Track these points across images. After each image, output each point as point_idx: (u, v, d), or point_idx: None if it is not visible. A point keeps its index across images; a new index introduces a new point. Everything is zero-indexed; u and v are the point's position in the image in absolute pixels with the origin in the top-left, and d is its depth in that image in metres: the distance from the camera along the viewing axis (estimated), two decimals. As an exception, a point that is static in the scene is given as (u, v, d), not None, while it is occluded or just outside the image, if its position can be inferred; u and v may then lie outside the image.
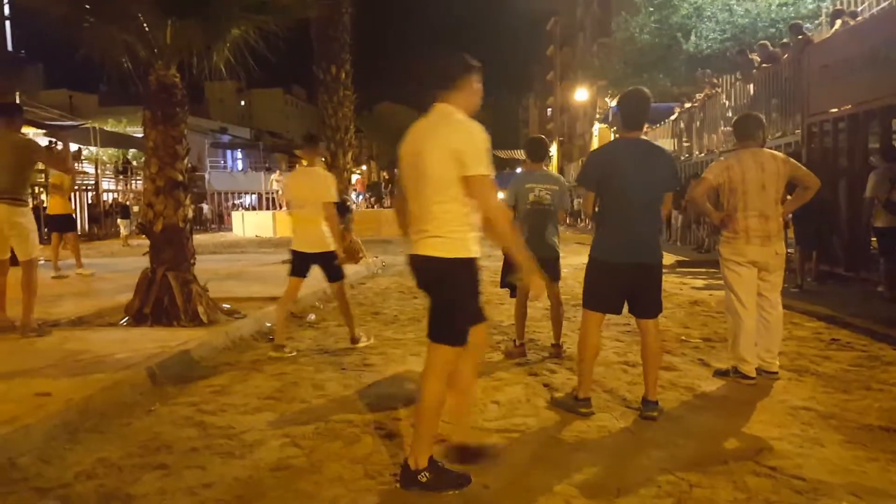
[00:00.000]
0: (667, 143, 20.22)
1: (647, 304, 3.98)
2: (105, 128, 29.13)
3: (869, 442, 3.48)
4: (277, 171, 33.56)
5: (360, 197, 32.34)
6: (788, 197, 4.96)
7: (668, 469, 3.16)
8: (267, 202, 32.91)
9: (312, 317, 7.24)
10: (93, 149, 27.15)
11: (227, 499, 2.93)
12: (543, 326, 6.25)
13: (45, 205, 13.78)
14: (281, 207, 27.82)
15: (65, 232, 10.62)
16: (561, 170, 45.95)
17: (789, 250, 5.05)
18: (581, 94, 36.01)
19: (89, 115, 33.78)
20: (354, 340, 5.86)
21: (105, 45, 6.44)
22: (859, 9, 11.57)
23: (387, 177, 37.12)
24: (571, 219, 28.83)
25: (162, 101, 6.37)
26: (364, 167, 37.75)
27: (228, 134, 48.07)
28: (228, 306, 6.79)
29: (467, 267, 2.95)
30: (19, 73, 14.83)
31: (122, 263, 12.88)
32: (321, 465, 3.26)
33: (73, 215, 11.27)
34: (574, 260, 11.01)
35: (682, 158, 18.54)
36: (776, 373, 4.65)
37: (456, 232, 2.89)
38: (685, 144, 18.64)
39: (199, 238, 6.85)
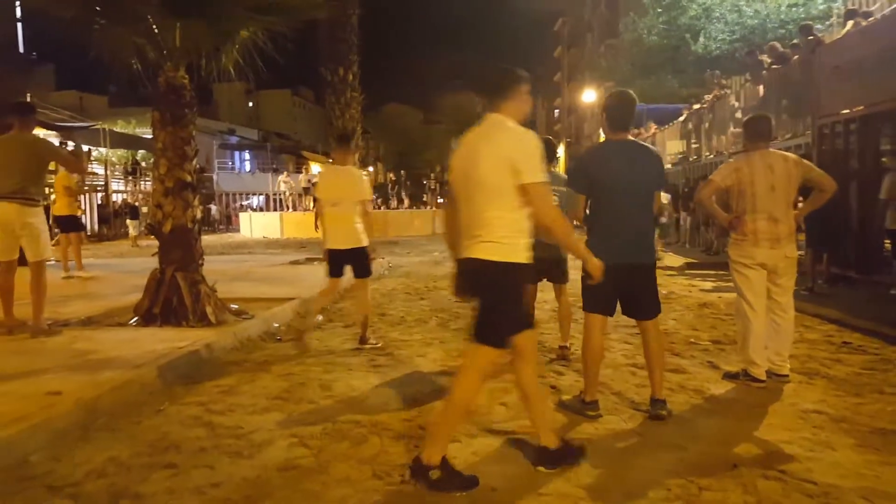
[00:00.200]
0: (675, 145, 20.18)
1: (645, 304, 3.97)
2: (114, 129, 29.28)
3: (881, 446, 3.45)
4: (285, 173, 33.67)
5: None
6: (801, 200, 4.92)
7: (677, 472, 3.14)
8: (274, 203, 33.00)
9: (320, 318, 7.24)
10: (102, 150, 27.29)
11: (235, 498, 2.94)
12: (551, 328, 6.24)
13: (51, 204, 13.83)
14: (289, 209, 27.93)
15: (69, 232, 10.65)
16: (569, 171, 45.86)
17: (800, 252, 5.00)
18: (589, 96, 35.92)
19: (99, 116, 33.94)
20: (363, 341, 5.87)
21: (115, 46, 6.47)
22: (872, 8, 11.49)
23: (393, 178, 37.16)
24: None
25: (171, 103, 6.40)
26: (371, 168, 37.78)
27: (236, 135, 48.22)
28: (236, 307, 6.81)
29: (516, 272, 2.99)
30: (31, 75, 14.93)
31: (130, 264, 12.96)
32: (329, 466, 3.26)
33: (80, 217, 11.27)
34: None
35: (691, 160, 18.48)
36: (787, 376, 4.61)
37: (508, 237, 2.95)
38: (694, 146, 18.57)
39: (206, 239, 6.88)
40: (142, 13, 6.18)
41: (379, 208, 31.27)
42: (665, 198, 13.76)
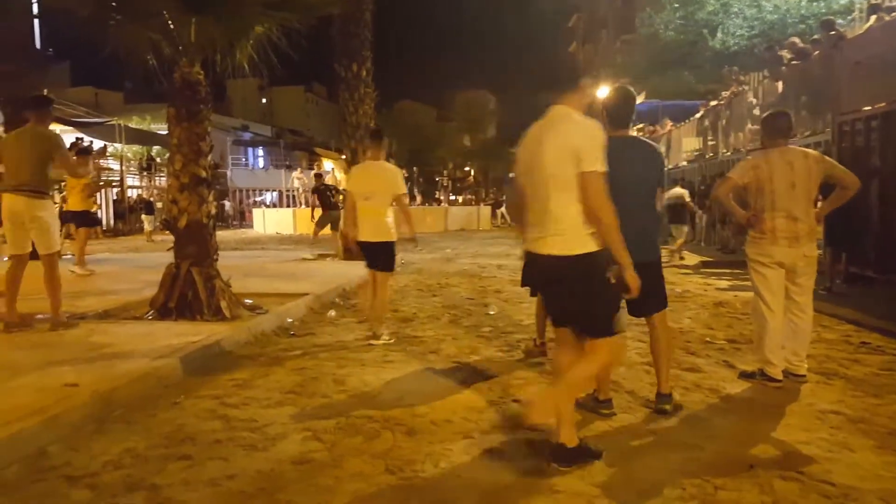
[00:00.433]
0: (692, 142, 20.01)
1: (649, 302, 3.92)
2: (130, 125, 29.50)
3: (900, 447, 3.40)
4: (299, 169, 33.78)
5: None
6: (819, 199, 4.85)
7: (692, 471, 3.11)
8: (287, 199, 33.11)
9: (333, 313, 7.26)
10: (118, 145, 27.51)
11: (249, 491, 2.95)
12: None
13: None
14: (301, 205, 27.99)
15: (79, 227, 10.70)
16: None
17: (819, 251, 4.94)
18: (603, 91, 35.76)
19: (114, 112, 34.23)
20: (375, 336, 5.88)
21: (131, 42, 6.51)
22: (895, 3, 11.32)
23: (406, 175, 37.13)
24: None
25: (186, 99, 6.42)
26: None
27: (250, 131, 48.40)
28: (250, 301, 6.84)
29: (598, 259, 3.02)
30: (47, 71, 15.05)
31: (145, 259, 13.04)
32: (342, 460, 3.27)
33: (92, 212, 11.29)
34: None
35: (708, 157, 18.34)
36: (804, 376, 4.56)
37: (579, 227, 2.98)
38: (710, 143, 18.41)
39: (220, 234, 6.93)
40: (158, 9, 6.21)
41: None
42: (685, 194, 13.66)
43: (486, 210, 31.33)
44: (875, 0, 11.96)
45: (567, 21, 60.97)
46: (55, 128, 8.30)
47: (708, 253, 13.96)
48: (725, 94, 17.43)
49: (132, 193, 28.27)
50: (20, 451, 3.25)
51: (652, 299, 3.93)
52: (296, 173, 31.61)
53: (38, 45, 14.21)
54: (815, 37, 12.93)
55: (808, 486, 2.98)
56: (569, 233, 2.98)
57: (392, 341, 5.90)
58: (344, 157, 14.21)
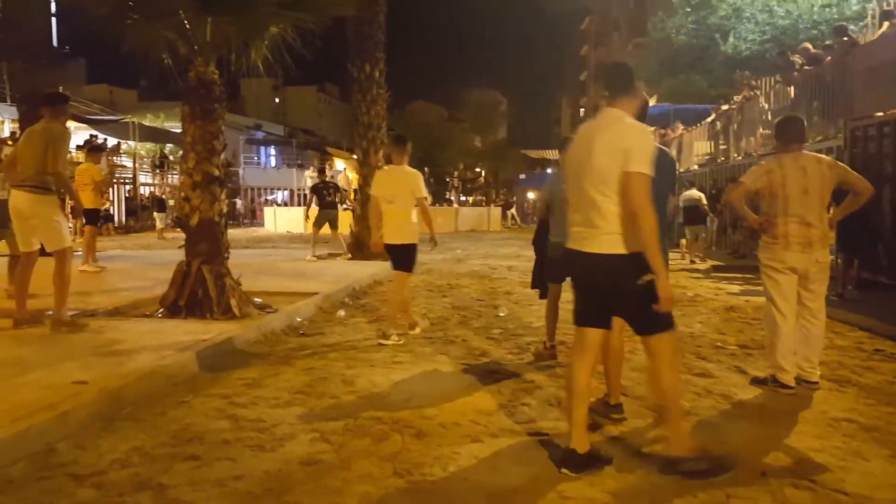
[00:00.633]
0: (703, 146, 19.92)
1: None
2: (143, 122, 29.66)
3: (915, 457, 3.36)
4: (311, 168, 33.81)
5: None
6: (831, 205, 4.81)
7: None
8: (299, 198, 33.18)
9: (342, 313, 7.26)
10: (131, 143, 27.68)
11: (256, 491, 2.94)
12: (573, 328, 6.17)
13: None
14: (313, 204, 28.00)
15: (86, 224, 10.70)
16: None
17: (831, 257, 4.90)
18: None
19: (129, 109, 34.42)
20: (385, 336, 5.88)
21: (147, 41, 6.55)
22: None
23: (418, 175, 37.09)
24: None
25: (200, 97, 6.45)
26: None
27: (263, 130, 48.56)
28: (260, 300, 6.85)
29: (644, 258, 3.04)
30: (63, 69, 15.18)
31: (156, 256, 13.10)
32: (350, 462, 3.26)
33: (101, 210, 11.26)
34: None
35: (719, 161, 18.25)
36: (816, 383, 4.52)
37: (630, 226, 3.01)
38: (722, 147, 18.32)
39: (231, 233, 6.95)
40: (174, 9, 6.24)
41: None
42: (702, 196, 13.58)
43: (496, 211, 31.29)
44: (888, 7, 11.88)
45: (579, 24, 60.88)
46: (70, 125, 8.27)
47: (719, 257, 13.88)
48: (737, 98, 17.34)
49: (145, 191, 28.43)
50: (28, 449, 3.25)
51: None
52: (308, 172, 31.62)
53: (55, 42, 14.34)
54: (828, 42, 12.84)
55: (821, 494, 2.94)
56: (622, 231, 3.02)
57: (402, 342, 5.90)
58: (355, 156, 14.20)
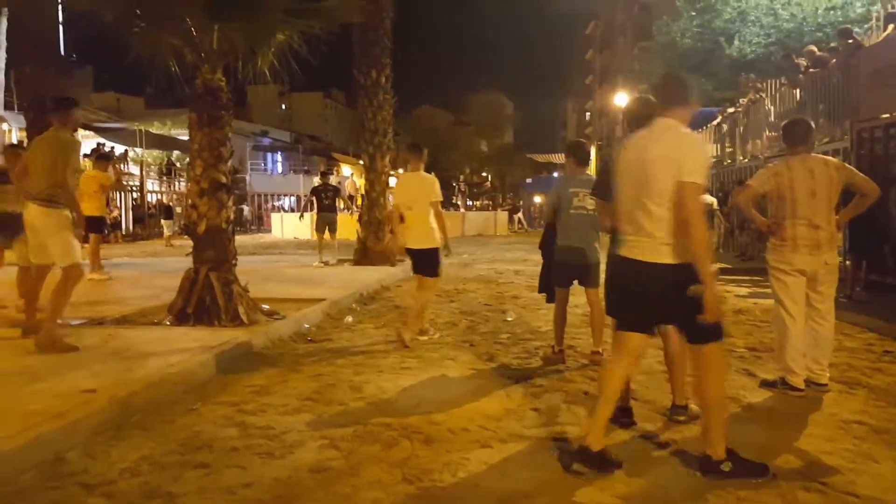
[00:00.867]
0: (709, 149, 19.87)
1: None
2: (150, 130, 29.76)
3: (926, 460, 3.33)
4: (320, 174, 33.86)
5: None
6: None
7: (714, 482, 3.07)
8: (306, 205, 33.28)
9: (350, 319, 7.27)
10: (138, 150, 27.76)
11: (266, 499, 2.95)
12: (582, 333, 6.18)
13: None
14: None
15: (90, 232, 10.67)
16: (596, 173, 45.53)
17: (839, 258, 4.88)
18: (620, 98, 35.66)
19: (136, 117, 34.51)
20: (423, 332, 6.20)
21: (154, 49, 6.57)
22: (914, 11, 11.20)
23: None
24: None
25: (207, 104, 6.47)
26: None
27: (269, 137, 48.67)
28: (267, 307, 6.86)
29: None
30: (71, 76, 15.27)
31: (164, 264, 13.14)
32: (359, 468, 3.26)
33: (106, 218, 11.17)
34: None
35: (725, 164, 18.21)
36: (826, 385, 4.50)
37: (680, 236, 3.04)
38: (728, 150, 18.28)
39: (239, 239, 6.95)
40: (181, 16, 6.27)
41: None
42: (714, 201, 13.54)
43: (502, 215, 31.27)
44: (893, 9, 11.83)
45: (584, 28, 60.90)
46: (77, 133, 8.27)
47: (727, 260, 13.82)
48: (743, 101, 17.30)
49: (152, 198, 28.53)
50: (37, 458, 3.26)
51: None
52: (317, 179, 31.73)
53: (62, 50, 14.44)
54: (833, 45, 12.79)
55: (832, 497, 2.93)
56: (674, 241, 3.04)
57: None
58: (362, 162, 14.19)
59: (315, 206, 13.47)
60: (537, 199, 43.09)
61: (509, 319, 7.38)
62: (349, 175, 27.56)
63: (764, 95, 15.87)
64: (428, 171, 6.48)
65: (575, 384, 4.75)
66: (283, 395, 4.46)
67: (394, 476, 3.16)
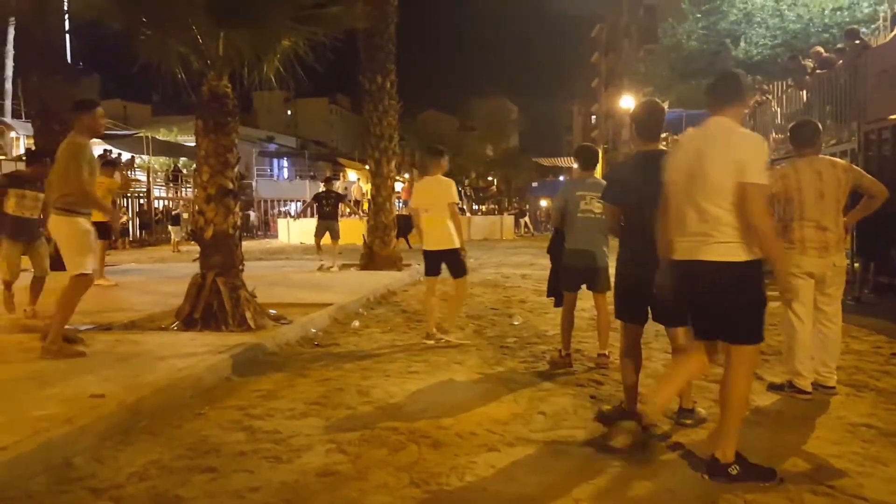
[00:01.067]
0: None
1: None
2: (157, 137, 29.93)
3: (935, 462, 3.31)
4: (324, 180, 33.94)
5: (405, 205, 32.51)
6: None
7: (721, 485, 3.06)
8: (305, 209, 33.36)
9: (356, 323, 7.28)
10: (145, 157, 27.94)
11: (273, 503, 2.96)
12: (589, 336, 6.17)
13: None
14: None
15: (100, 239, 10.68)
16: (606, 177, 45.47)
17: (847, 261, 4.87)
18: (626, 101, 35.62)
19: (142, 124, 34.80)
20: (431, 336, 6.32)
21: (160, 56, 6.62)
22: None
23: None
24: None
25: (214, 111, 6.51)
26: (407, 175, 37.94)
27: (275, 143, 48.87)
28: (275, 312, 6.88)
29: (758, 267, 3.13)
30: (78, 84, 15.33)
31: (171, 269, 13.19)
32: (367, 472, 3.26)
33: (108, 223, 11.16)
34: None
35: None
36: (833, 388, 4.48)
37: (741, 236, 3.06)
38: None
39: (245, 245, 6.95)
40: (188, 23, 6.31)
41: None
42: None
43: (509, 219, 31.27)
44: (895, 10, 11.80)
45: (590, 31, 60.95)
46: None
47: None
48: (749, 103, 17.26)
49: (158, 204, 28.67)
50: (46, 462, 3.28)
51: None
52: (322, 184, 31.79)
53: (69, 58, 14.51)
54: (840, 46, 12.76)
55: (840, 500, 2.92)
56: (737, 240, 3.06)
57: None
58: (367, 167, 14.22)
59: (315, 211, 13.47)
60: (543, 202, 43.02)
61: (516, 324, 7.37)
62: (356, 180, 27.58)
63: (770, 97, 15.84)
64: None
65: (582, 388, 4.75)
66: (291, 400, 4.48)
67: (401, 480, 3.16)
